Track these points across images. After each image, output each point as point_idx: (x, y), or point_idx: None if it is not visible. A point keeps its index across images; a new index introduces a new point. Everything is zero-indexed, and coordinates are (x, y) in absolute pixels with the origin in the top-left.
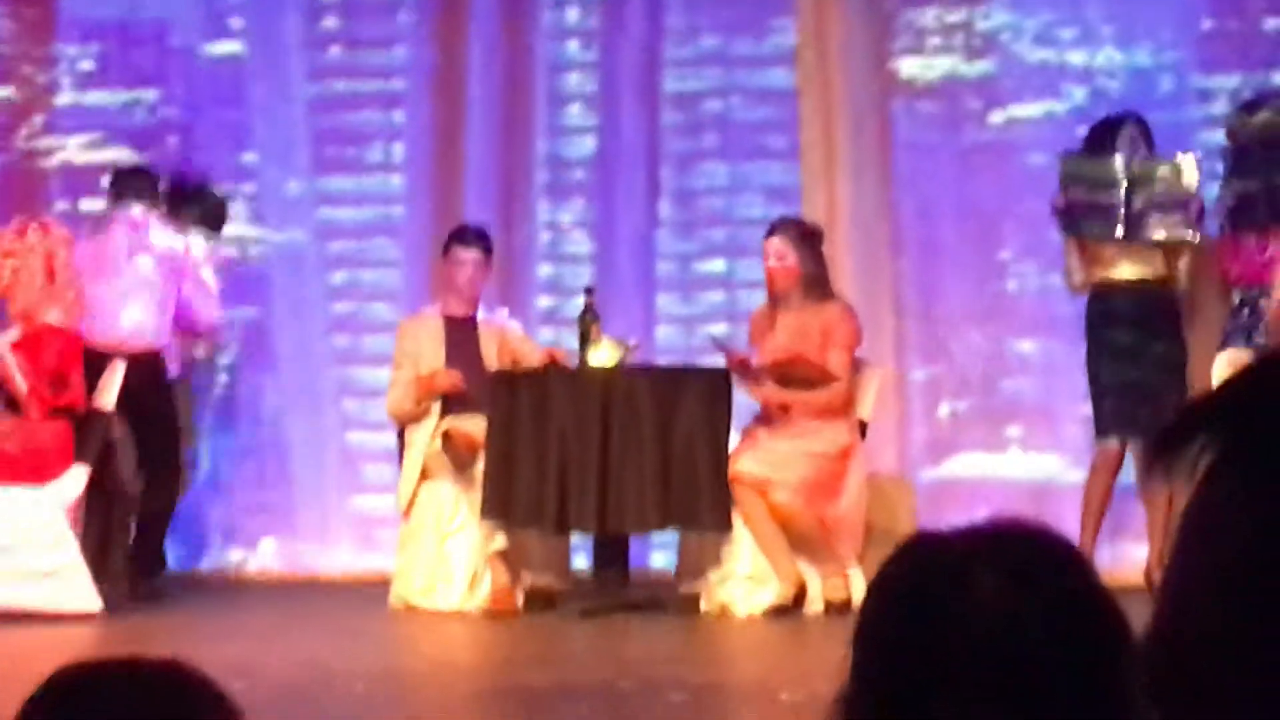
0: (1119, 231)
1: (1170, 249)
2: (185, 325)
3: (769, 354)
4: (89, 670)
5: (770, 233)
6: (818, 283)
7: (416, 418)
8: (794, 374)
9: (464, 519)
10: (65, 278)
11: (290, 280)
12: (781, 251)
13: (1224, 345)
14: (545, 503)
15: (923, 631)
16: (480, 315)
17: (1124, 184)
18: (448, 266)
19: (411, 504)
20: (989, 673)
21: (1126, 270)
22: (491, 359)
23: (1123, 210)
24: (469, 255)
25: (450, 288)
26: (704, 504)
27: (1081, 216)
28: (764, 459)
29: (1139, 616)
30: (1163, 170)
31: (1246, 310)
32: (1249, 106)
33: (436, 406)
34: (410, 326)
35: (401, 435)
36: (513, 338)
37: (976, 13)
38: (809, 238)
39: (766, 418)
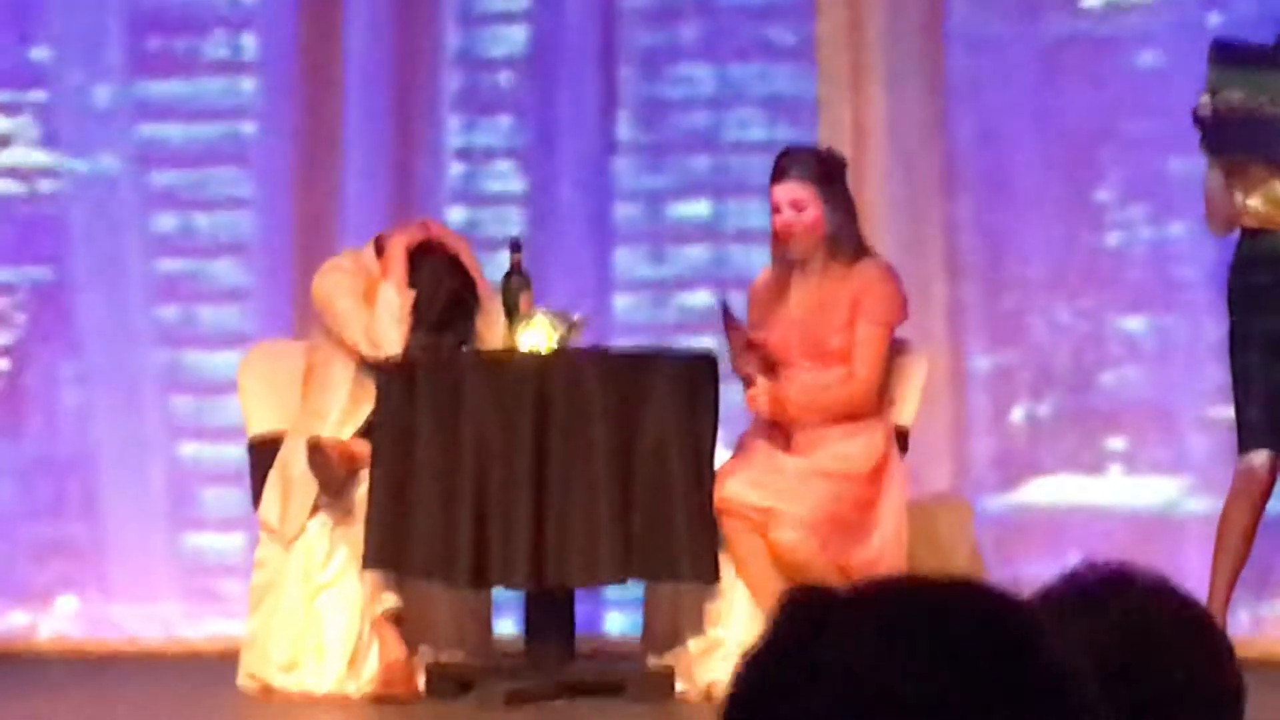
0: None
1: None
2: None
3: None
4: None
5: (781, 173)
6: (847, 237)
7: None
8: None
9: (340, 567)
10: None
11: (98, 227)
12: (800, 199)
13: None
14: (456, 545)
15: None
16: None
17: None
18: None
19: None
20: None
21: None
22: None
23: None
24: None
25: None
26: (679, 546)
27: (1236, 132)
28: (764, 481)
29: None
30: None
31: None
32: None
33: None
34: (349, 269)
35: (259, 448)
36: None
37: None
38: (834, 178)
39: (770, 428)
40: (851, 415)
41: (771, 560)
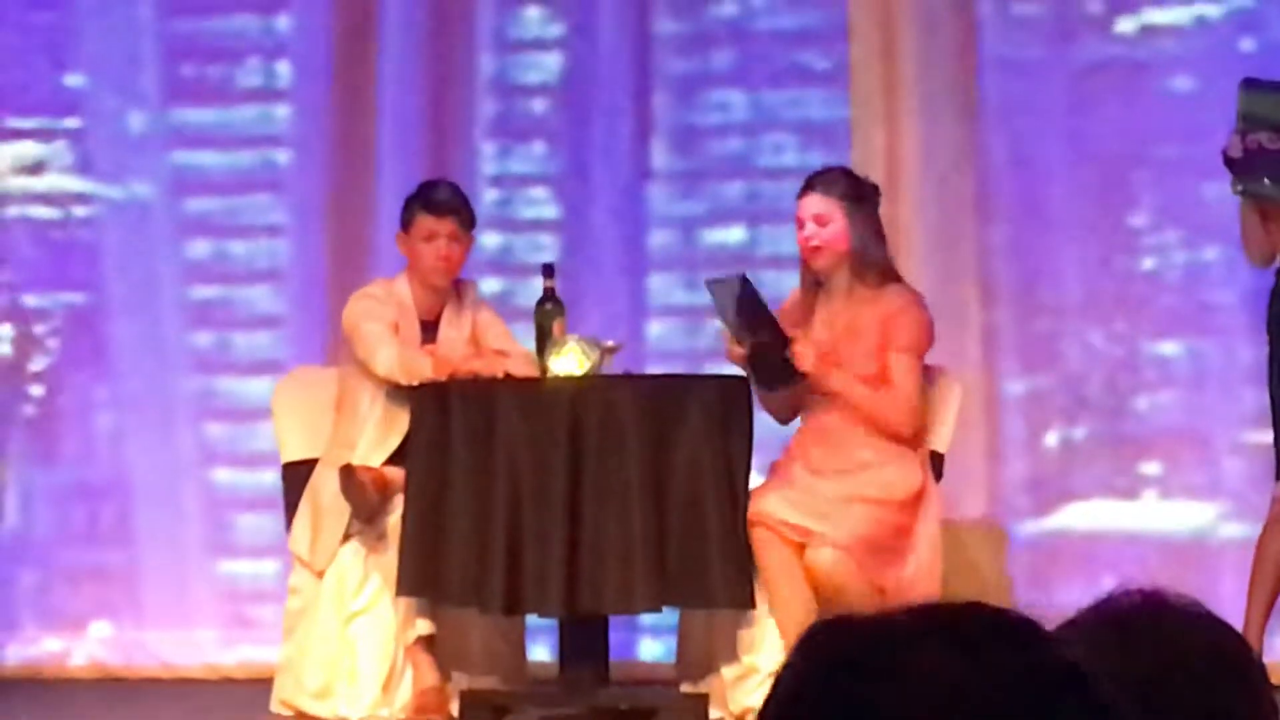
0: None
1: None
2: None
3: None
4: None
5: (806, 188)
6: (874, 261)
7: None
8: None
9: (374, 593)
10: None
11: (132, 253)
12: (823, 215)
13: None
14: (490, 571)
15: None
16: (446, 311)
17: None
18: (411, 242)
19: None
20: None
21: None
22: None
23: None
24: (442, 226)
25: (417, 269)
26: (714, 572)
27: (1265, 171)
28: (800, 502)
29: None
30: None
31: None
32: None
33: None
34: (380, 297)
35: (292, 473)
36: (482, 325)
37: None
38: (862, 197)
39: (804, 453)
40: (884, 427)
41: (808, 581)
